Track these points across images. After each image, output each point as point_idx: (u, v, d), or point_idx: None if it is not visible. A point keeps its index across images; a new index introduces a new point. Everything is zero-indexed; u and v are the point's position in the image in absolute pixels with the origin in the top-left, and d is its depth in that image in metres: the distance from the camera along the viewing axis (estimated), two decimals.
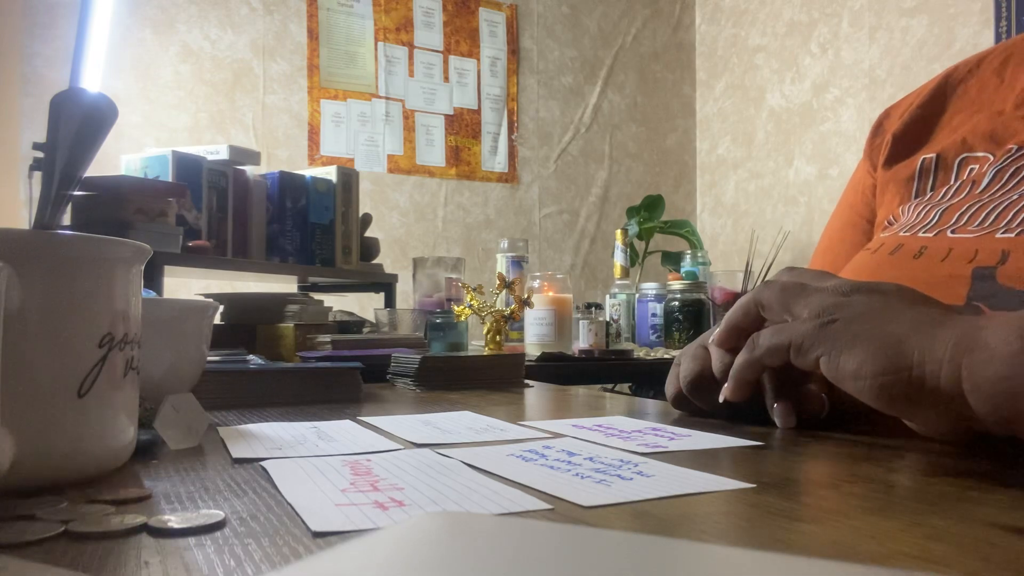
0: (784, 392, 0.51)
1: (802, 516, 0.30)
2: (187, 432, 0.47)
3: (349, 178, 1.99)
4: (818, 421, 0.52)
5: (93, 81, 1.80)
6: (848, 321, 0.43)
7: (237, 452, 0.44)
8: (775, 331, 0.46)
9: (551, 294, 1.68)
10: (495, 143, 2.98)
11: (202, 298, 0.70)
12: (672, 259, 2.66)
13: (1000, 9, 2.25)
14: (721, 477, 0.36)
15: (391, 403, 0.73)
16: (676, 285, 1.95)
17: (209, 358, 0.64)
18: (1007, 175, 0.62)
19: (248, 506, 0.32)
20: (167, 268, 1.53)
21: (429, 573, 0.16)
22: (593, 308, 2.02)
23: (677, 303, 1.91)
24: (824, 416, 0.52)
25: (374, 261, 2.12)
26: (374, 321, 1.47)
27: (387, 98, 2.80)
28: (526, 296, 1.16)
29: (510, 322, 1.18)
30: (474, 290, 1.13)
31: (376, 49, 2.79)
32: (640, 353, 1.78)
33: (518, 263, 1.81)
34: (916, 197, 0.70)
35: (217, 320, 1.06)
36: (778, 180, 2.97)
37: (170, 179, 1.65)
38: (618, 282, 2.08)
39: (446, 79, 2.91)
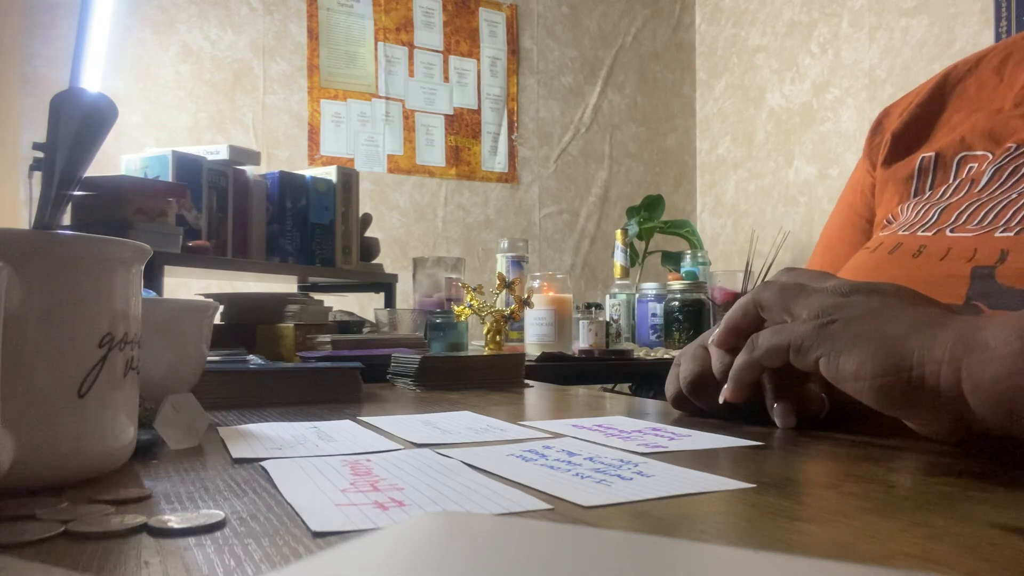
0: (784, 392, 0.51)
1: (802, 516, 0.30)
2: (187, 432, 0.47)
3: (349, 178, 1.99)
4: (818, 421, 0.52)
5: (93, 81, 1.80)
6: (847, 322, 0.43)
7: (237, 452, 0.44)
8: (774, 332, 0.46)
9: (551, 294, 1.68)
10: (495, 143, 2.98)
11: (202, 298, 0.70)
12: (672, 259, 2.66)
13: (1000, 9, 2.25)
14: (721, 477, 0.36)
15: (391, 403, 0.73)
16: (676, 285, 1.95)
17: (209, 358, 0.64)
18: (1006, 174, 0.62)
19: (248, 506, 0.32)
20: (167, 268, 1.53)
21: (429, 573, 0.16)
22: (593, 308, 2.02)
23: (677, 303, 1.91)
24: (824, 416, 0.52)
25: (374, 261, 2.12)
26: (374, 321, 1.47)
27: (387, 98, 2.80)
28: (526, 296, 1.16)
29: (510, 322, 1.18)
30: (474, 290, 1.13)
31: (376, 49, 2.79)
32: (640, 353, 1.78)
33: (518, 263, 1.81)
34: (915, 196, 0.70)
35: (217, 320, 1.06)
36: (778, 180, 2.97)
37: (170, 179, 1.65)
38: (618, 282, 2.08)
39: (446, 79, 2.91)
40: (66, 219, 1.44)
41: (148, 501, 0.33)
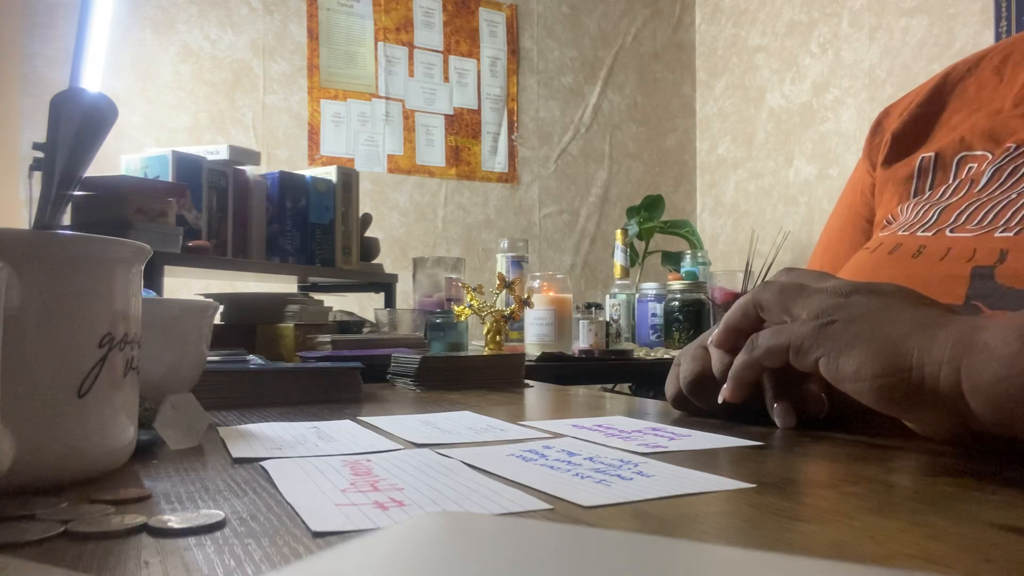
0: (784, 392, 0.51)
1: (802, 516, 0.30)
2: (187, 432, 0.47)
3: (349, 178, 1.99)
4: (818, 421, 0.52)
5: (93, 81, 1.80)
6: (847, 322, 0.43)
7: (237, 452, 0.44)
8: (774, 332, 0.46)
9: (551, 294, 1.68)
10: (495, 143, 2.98)
11: (202, 298, 0.70)
12: (672, 259, 2.66)
13: (1000, 9, 2.25)
14: (721, 477, 0.36)
15: (391, 403, 0.73)
16: (676, 285, 1.95)
17: (209, 358, 0.64)
18: (1006, 174, 0.62)
19: (248, 506, 0.32)
20: (167, 268, 1.53)
21: (429, 573, 0.16)
22: (593, 308, 2.02)
23: (677, 303, 1.91)
24: (824, 416, 0.52)
25: (374, 261, 2.12)
26: (374, 321, 1.47)
27: (387, 98, 2.80)
28: (526, 296, 1.16)
29: (510, 322, 1.18)
30: (474, 290, 1.13)
31: (376, 49, 2.79)
32: (640, 353, 1.78)
33: (518, 263, 1.81)
34: (915, 196, 0.70)
35: (217, 320, 1.06)
36: (778, 180, 2.97)
37: (170, 179, 1.65)
38: (618, 282, 2.08)
39: (446, 79, 2.91)
40: (66, 219, 1.44)
41: (148, 501, 0.33)
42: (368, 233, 2.10)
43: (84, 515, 0.30)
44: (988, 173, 0.63)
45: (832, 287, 0.46)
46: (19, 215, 2.11)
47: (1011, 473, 0.37)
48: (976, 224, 0.58)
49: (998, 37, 2.24)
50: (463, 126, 2.93)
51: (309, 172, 1.94)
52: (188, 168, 1.69)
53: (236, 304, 1.18)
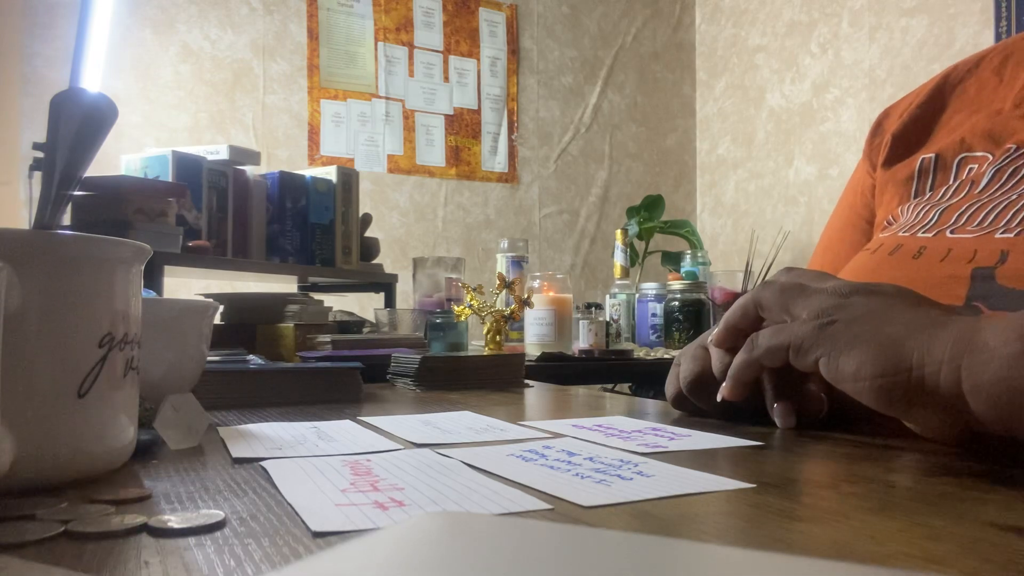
0: (784, 392, 0.51)
1: (802, 516, 0.30)
2: (187, 432, 0.47)
3: (349, 178, 1.99)
4: (818, 421, 0.52)
5: (93, 81, 1.80)
6: (847, 322, 0.43)
7: (237, 452, 0.44)
8: (774, 332, 0.46)
9: (551, 294, 1.68)
10: (495, 143, 2.98)
11: (202, 298, 0.70)
12: (672, 259, 2.66)
13: (1000, 9, 2.25)
14: (721, 477, 0.36)
15: (391, 403, 0.73)
16: (676, 285, 1.95)
17: (209, 358, 0.64)
18: (1006, 175, 0.62)
19: (248, 506, 0.32)
20: (167, 268, 1.53)
21: (429, 573, 0.16)
22: (593, 308, 2.02)
23: (677, 303, 1.91)
24: (824, 416, 0.52)
25: (374, 261, 2.12)
26: (374, 321, 1.47)
27: (387, 98, 2.80)
28: (526, 296, 1.16)
29: (510, 322, 1.18)
30: (474, 290, 1.13)
31: (376, 49, 2.79)
32: (640, 353, 1.78)
33: (518, 263, 1.81)
34: (915, 197, 0.70)
35: (217, 320, 1.06)
36: (778, 180, 2.97)
37: (170, 179, 1.65)
38: (618, 282, 2.08)
39: (446, 79, 2.91)
40: (66, 219, 1.44)
41: (148, 501, 0.33)
42: (368, 233, 2.10)
43: (84, 515, 0.30)
44: (989, 174, 0.63)
45: (832, 287, 0.46)
46: (19, 215, 2.11)
47: (1011, 473, 0.37)
48: (977, 225, 0.58)
49: (998, 37, 2.24)
50: (463, 126, 2.93)
51: (309, 172, 1.94)
52: (188, 168, 1.69)
53: (236, 304, 1.18)
